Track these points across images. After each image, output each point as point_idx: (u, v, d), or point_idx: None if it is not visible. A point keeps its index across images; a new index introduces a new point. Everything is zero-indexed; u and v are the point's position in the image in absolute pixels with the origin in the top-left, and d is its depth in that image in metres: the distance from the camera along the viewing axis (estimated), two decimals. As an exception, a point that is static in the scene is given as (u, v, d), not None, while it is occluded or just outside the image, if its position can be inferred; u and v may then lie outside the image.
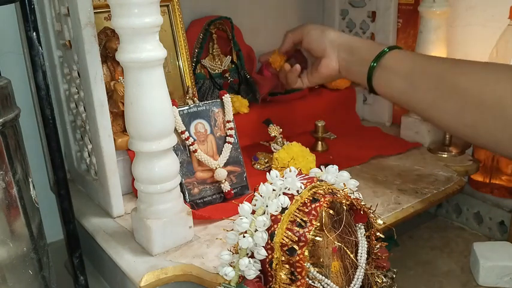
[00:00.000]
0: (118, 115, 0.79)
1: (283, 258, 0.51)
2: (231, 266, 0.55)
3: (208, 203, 0.78)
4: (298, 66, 0.92)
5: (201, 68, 1.00)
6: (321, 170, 0.59)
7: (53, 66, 0.82)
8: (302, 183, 0.54)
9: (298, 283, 0.51)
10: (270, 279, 0.53)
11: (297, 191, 0.54)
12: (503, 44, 0.86)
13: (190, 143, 0.76)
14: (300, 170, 0.58)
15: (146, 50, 0.56)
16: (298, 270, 0.51)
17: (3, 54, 0.85)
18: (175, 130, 0.73)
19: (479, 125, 0.66)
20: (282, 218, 0.52)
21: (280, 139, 0.92)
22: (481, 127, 0.66)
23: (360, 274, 0.55)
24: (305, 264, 0.50)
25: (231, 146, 0.80)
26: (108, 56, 0.79)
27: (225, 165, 0.79)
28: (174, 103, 0.74)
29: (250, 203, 0.55)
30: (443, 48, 1.00)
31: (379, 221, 0.58)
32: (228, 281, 0.55)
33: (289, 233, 0.51)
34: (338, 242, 0.54)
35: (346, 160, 0.92)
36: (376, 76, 0.77)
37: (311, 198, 0.52)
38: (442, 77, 0.70)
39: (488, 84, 0.66)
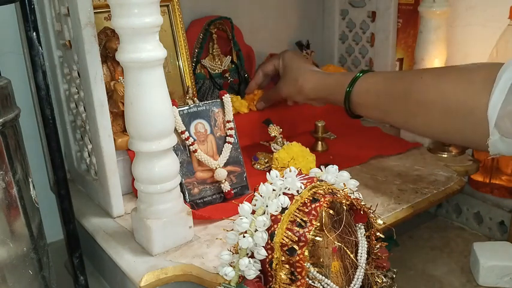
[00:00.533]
0: (118, 115, 0.79)
1: (283, 258, 0.51)
2: (231, 266, 0.55)
3: (208, 203, 0.78)
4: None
5: (201, 68, 1.00)
6: (321, 170, 0.59)
7: (53, 66, 0.82)
8: (302, 183, 0.54)
9: (298, 283, 0.51)
10: (270, 279, 0.53)
11: (297, 191, 0.53)
12: (503, 44, 0.86)
13: (190, 143, 0.76)
14: (300, 170, 0.58)
15: (146, 50, 0.56)
16: (298, 270, 0.51)
17: (3, 54, 0.85)
18: (175, 130, 0.73)
19: (450, 130, 0.71)
20: (282, 218, 0.52)
21: (280, 139, 0.92)
22: (452, 132, 0.71)
23: (360, 274, 0.55)
24: (305, 264, 0.50)
25: (231, 146, 0.80)
26: (108, 56, 0.79)
27: (225, 165, 0.79)
28: (174, 103, 0.74)
29: (250, 203, 0.55)
30: (443, 48, 1.00)
31: (379, 221, 0.58)
32: (228, 281, 0.55)
33: (289, 233, 0.51)
34: (338, 242, 0.54)
35: (346, 160, 0.92)
36: (352, 102, 0.82)
37: (311, 198, 0.52)
38: (406, 95, 0.74)
39: (449, 92, 0.69)
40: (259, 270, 0.54)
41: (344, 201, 0.54)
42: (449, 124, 0.70)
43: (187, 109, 0.77)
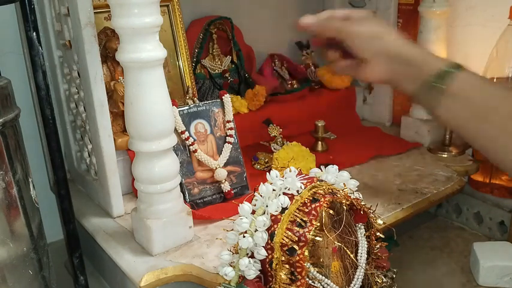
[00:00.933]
0: (118, 115, 0.79)
1: (283, 258, 0.51)
2: (231, 266, 0.55)
3: (208, 203, 0.78)
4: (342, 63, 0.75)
5: (201, 68, 1.00)
6: (321, 170, 0.59)
7: (53, 66, 0.82)
8: (302, 183, 0.54)
9: (298, 283, 0.51)
10: (270, 279, 0.53)
11: (297, 191, 0.53)
12: (503, 44, 0.86)
13: (190, 143, 0.76)
14: (300, 170, 0.58)
15: (146, 50, 0.56)
16: (298, 270, 0.51)
17: (3, 54, 0.85)
18: (175, 130, 0.73)
19: None
20: (282, 218, 0.52)
21: (280, 139, 0.92)
22: None
23: (360, 274, 0.55)
24: (305, 264, 0.50)
25: (231, 146, 0.80)
26: (108, 56, 0.79)
27: (225, 165, 0.79)
28: (174, 103, 0.74)
29: (250, 203, 0.55)
30: (443, 48, 1.00)
31: (379, 221, 0.58)
32: (228, 281, 0.55)
33: (289, 233, 0.51)
34: (338, 242, 0.54)
35: (346, 160, 0.92)
36: (440, 101, 0.64)
37: (311, 198, 0.52)
38: None
39: None
40: (259, 270, 0.54)
41: (344, 201, 0.54)
42: None
43: (187, 109, 0.77)
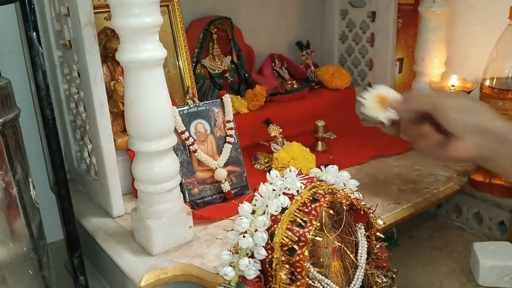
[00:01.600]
0: (118, 115, 0.79)
1: (283, 258, 0.51)
2: (231, 266, 0.55)
3: (208, 203, 0.78)
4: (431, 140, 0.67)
5: (201, 68, 1.00)
6: (321, 170, 0.59)
7: (53, 66, 0.82)
8: (302, 183, 0.54)
9: (298, 283, 0.51)
10: (270, 279, 0.53)
11: (297, 191, 0.53)
12: (503, 44, 0.86)
13: (190, 143, 0.76)
14: (300, 170, 0.58)
15: (146, 50, 0.56)
16: (298, 270, 0.51)
17: (3, 54, 0.85)
18: (175, 130, 0.73)
19: None
20: (282, 218, 0.52)
21: (280, 139, 0.92)
22: None
23: (360, 274, 0.55)
24: (305, 264, 0.50)
25: (231, 146, 0.80)
26: (108, 56, 0.79)
27: (225, 165, 0.79)
28: (174, 103, 0.74)
29: (250, 203, 0.55)
30: (443, 48, 1.00)
31: (379, 221, 0.58)
32: (228, 281, 0.55)
33: (289, 233, 0.51)
34: (338, 242, 0.54)
35: (346, 160, 0.92)
36: None
37: (311, 198, 0.52)
38: None
39: None
40: (259, 270, 0.54)
41: (344, 201, 0.54)
42: None
43: (187, 109, 0.77)
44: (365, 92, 0.71)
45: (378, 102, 0.70)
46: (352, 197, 0.55)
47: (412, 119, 0.68)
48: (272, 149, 0.91)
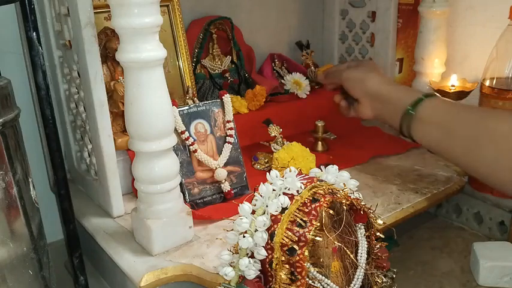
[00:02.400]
0: (118, 115, 0.79)
1: (283, 258, 0.51)
2: (231, 266, 0.55)
3: (208, 203, 0.78)
4: (343, 104, 0.93)
5: (201, 68, 1.00)
6: (321, 170, 0.59)
7: (53, 66, 0.82)
8: (302, 183, 0.54)
9: (298, 283, 0.51)
10: (270, 279, 0.53)
11: (297, 191, 0.53)
12: (503, 44, 0.86)
13: (190, 143, 0.76)
14: (300, 170, 0.58)
15: (146, 50, 0.56)
16: (298, 270, 0.51)
17: (3, 54, 0.85)
18: (175, 130, 0.73)
19: None
20: (282, 218, 0.52)
21: (280, 139, 0.92)
22: None
23: (360, 274, 0.55)
24: (305, 264, 0.50)
25: (231, 146, 0.80)
26: (108, 56, 0.79)
27: (225, 165, 0.79)
28: (174, 103, 0.74)
29: (250, 203, 0.55)
30: (443, 48, 0.99)
31: (379, 221, 0.58)
32: (228, 281, 0.55)
33: (289, 233, 0.51)
34: (338, 242, 0.54)
35: (346, 160, 0.92)
36: (413, 127, 0.76)
37: (311, 198, 0.52)
38: (479, 124, 0.69)
39: None
40: (259, 270, 0.54)
41: (344, 201, 0.54)
42: None
43: (187, 109, 0.77)
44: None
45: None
46: (352, 197, 0.55)
47: (335, 89, 0.94)
48: (272, 149, 0.91)
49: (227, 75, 1.02)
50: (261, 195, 0.55)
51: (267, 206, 0.53)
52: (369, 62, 0.97)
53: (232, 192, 0.79)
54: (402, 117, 0.77)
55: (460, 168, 0.84)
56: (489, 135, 0.67)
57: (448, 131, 0.72)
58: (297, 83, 1.06)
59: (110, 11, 0.66)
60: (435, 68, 1.01)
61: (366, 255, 0.56)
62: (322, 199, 0.52)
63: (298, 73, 1.07)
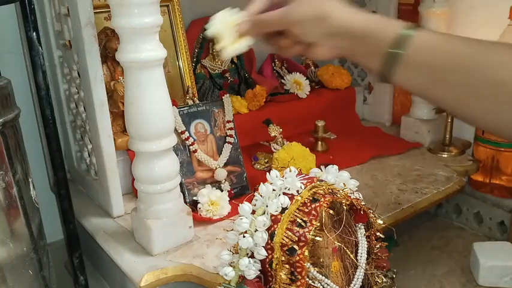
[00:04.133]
0: (118, 115, 0.79)
1: (283, 258, 0.51)
2: (231, 266, 0.55)
3: (208, 203, 0.78)
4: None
5: (201, 68, 1.00)
6: (321, 170, 0.59)
7: (53, 66, 0.82)
8: (302, 183, 0.54)
9: (298, 283, 0.51)
10: (270, 279, 0.53)
11: (297, 191, 0.53)
12: (503, 44, 0.86)
13: (190, 143, 0.76)
14: (300, 170, 0.58)
15: (146, 50, 0.56)
16: (298, 270, 0.51)
17: (3, 54, 0.85)
18: (175, 130, 0.73)
19: None
20: (282, 218, 0.52)
21: (280, 139, 0.92)
22: None
23: (360, 274, 0.55)
24: (305, 264, 0.50)
25: (231, 146, 0.80)
26: (108, 56, 0.79)
27: (225, 165, 0.79)
28: (174, 103, 0.74)
29: (250, 203, 0.55)
30: (443, 48, 0.99)
31: (379, 221, 0.58)
32: (228, 281, 0.55)
33: (289, 233, 0.51)
34: (338, 242, 0.54)
35: (346, 160, 0.92)
36: (397, 70, 0.60)
37: (311, 198, 0.52)
38: (472, 70, 0.57)
39: None
40: (259, 270, 0.54)
41: (344, 201, 0.54)
42: None
43: (187, 109, 0.77)
44: (210, 27, 0.65)
45: (228, 34, 0.65)
46: (352, 197, 0.55)
47: (269, 37, 0.67)
48: (272, 149, 0.91)
49: (227, 75, 1.02)
50: (261, 195, 0.55)
51: (267, 206, 0.53)
52: None
53: (232, 192, 0.79)
54: (383, 59, 0.60)
55: (452, 114, 0.67)
56: (484, 85, 0.57)
57: (435, 78, 0.59)
58: (297, 83, 1.06)
59: (110, 11, 0.66)
60: (435, 68, 1.01)
61: (366, 255, 0.56)
62: (322, 199, 0.52)
63: (298, 73, 1.07)
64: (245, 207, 0.54)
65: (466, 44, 0.61)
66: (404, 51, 0.59)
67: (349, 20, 0.62)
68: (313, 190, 0.53)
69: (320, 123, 0.97)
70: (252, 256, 0.54)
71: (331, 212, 0.52)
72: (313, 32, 0.63)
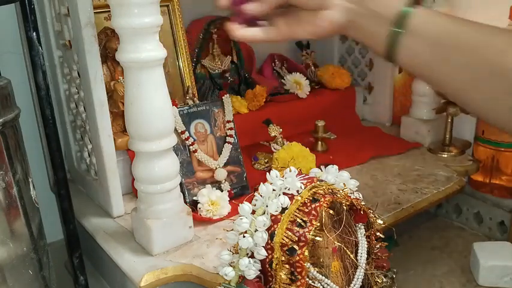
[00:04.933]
0: (118, 115, 0.79)
1: (283, 258, 0.51)
2: (231, 266, 0.55)
3: (208, 203, 0.78)
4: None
5: (201, 68, 1.00)
6: (321, 170, 0.59)
7: (53, 66, 0.82)
8: (302, 183, 0.54)
9: (298, 283, 0.51)
10: (270, 279, 0.53)
11: (297, 191, 0.53)
12: (503, 44, 0.86)
13: (190, 143, 0.76)
14: (300, 170, 0.58)
15: (146, 50, 0.56)
16: (298, 270, 0.51)
17: (3, 54, 0.85)
18: (175, 130, 0.73)
19: None
20: (282, 218, 0.52)
21: (280, 139, 0.92)
22: None
23: (360, 274, 0.55)
24: (305, 264, 0.50)
25: (231, 146, 0.80)
26: (108, 56, 0.79)
27: (225, 165, 0.79)
28: (174, 103, 0.74)
29: (250, 203, 0.55)
30: (443, 48, 0.99)
31: (379, 221, 0.58)
32: (228, 281, 0.55)
33: (289, 233, 0.51)
34: (338, 242, 0.54)
35: (346, 160, 0.92)
36: (401, 43, 0.57)
37: (311, 198, 0.52)
38: (476, 51, 0.55)
39: None
40: (259, 270, 0.54)
41: (344, 201, 0.54)
42: None
43: (187, 109, 0.77)
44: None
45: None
46: (352, 197, 0.55)
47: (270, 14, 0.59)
48: (272, 149, 0.91)
49: (227, 75, 1.02)
50: (261, 195, 0.55)
51: (267, 206, 0.53)
52: None
53: (232, 192, 0.79)
54: (391, 22, 0.56)
55: (455, 102, 0.60)
56: (491, 68, 0.54)
57: (441, 55, 0.56)
58: (297, 83, 1.06)
59: (110, 11, 0.66)
60: (435, 68, 1.01)
61: (366, 255, 0.56)
62: (322, 199, 0.52)
63: (298, 73, 1.07)
64: (245, 207, 0.54)
65: (472, 26, 0.57)
66: (412, 19, 0.55)
67: None
68: (313, 190, 0.53)
69: (320, 123, 0.97)
70: (252, 256, 0.54)
71: (331, 212, 0.52)
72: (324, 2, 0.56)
